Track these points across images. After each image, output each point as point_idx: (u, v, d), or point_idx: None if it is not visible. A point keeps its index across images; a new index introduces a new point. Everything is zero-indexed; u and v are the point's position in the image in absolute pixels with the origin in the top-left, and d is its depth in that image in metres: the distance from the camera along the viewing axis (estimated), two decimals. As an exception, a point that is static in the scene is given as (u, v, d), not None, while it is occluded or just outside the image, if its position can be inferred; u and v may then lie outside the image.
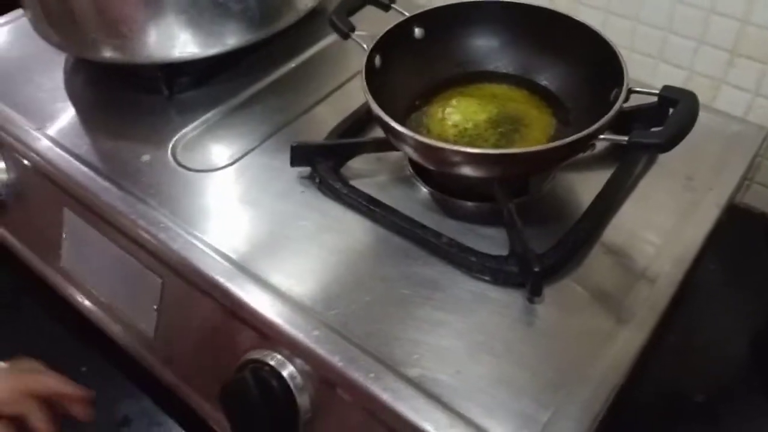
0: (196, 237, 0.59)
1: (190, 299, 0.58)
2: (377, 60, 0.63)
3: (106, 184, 0.65)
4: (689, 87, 0.74)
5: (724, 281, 0.74)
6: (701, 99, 0.74)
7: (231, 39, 0.73)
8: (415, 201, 0.62)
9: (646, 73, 0.79)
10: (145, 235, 0.59)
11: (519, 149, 0.51)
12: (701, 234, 0.59)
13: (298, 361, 0.51)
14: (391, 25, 0.65)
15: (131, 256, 0.62)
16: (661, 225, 0.59)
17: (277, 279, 0.55)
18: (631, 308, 0.53)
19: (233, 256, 0.57)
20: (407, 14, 0.66)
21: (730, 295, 0.72)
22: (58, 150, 0.69)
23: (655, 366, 0.62)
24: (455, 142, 0.63)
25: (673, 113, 0.51)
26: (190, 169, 0.67)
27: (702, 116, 0.67)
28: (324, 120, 0.71)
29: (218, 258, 0.57)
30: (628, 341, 0.51)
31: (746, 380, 0.65)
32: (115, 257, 0.63)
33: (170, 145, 0.69)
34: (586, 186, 0.62)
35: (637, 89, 0.55)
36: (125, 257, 0.62)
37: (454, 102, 0.67)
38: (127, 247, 0.62)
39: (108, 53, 0.73)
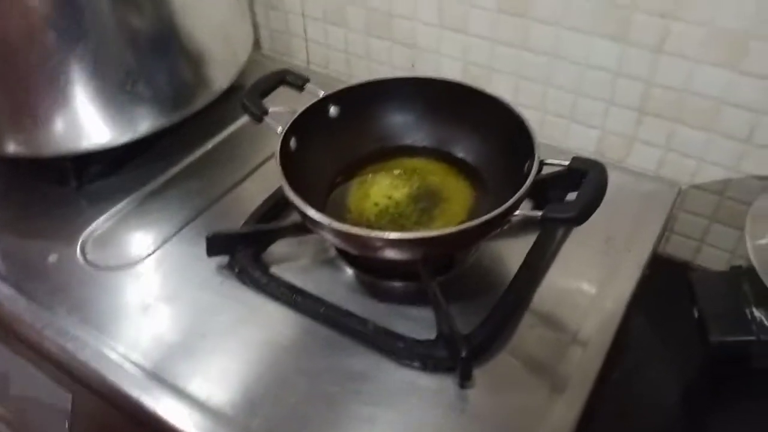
0: (107, 345, 0.55)
1: (103, 414, 0.54)
2: (293, 142, 0.62)
3: (9, 290, 0.60)
4: (603, 145, 0.78)
5: (654, 332, 0.74)
6: (615, 156, 0.78)
7: (142, 125, 0.71)
8: (340, 284, 0.61)
9: (560, 134, 0.80)
10: (52, 347, 0.55)
11: (434, 232, 0.51)
12: (626, 294, 0.60)
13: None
14: (306, 106, 0.64)
15: (39, 370, 0.58)
16: (587, 289, 0.60)
17: (196, 386, 0.52)
18: (565, 375, 0.53)
19: (147, 364, 0.53)
20: (322, 94, 0.66)
21: (660, 346, 0.73)
22: (-45, 253, 0.65)
23: (594, 425, 0.61)
24: (377, 222, 0.62)
25: (583, 185, 0.51)
26: (100, 268, 0.63)
27: (616, 177, 0.69)
28: (244, 202, 0.69)
29: (130, 368, 0.53)
30: (564, 411, 0.50)
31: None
32: (23, 370, 0.59)
33: (79, 242, 0.66)
34: (511, 254, 0.62)
35: (548, 161, 0.56)
36: (33, 371, 0.58)
37: (374, 179, 0.66)
38: (34, 360, 0.58)
39: (12, 148, 0.69)
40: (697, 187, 0.75)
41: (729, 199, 0.73)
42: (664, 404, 0.67)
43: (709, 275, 0.60)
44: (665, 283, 0.77)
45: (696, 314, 0.57)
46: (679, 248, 0.80)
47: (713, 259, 0.78)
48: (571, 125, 0.79)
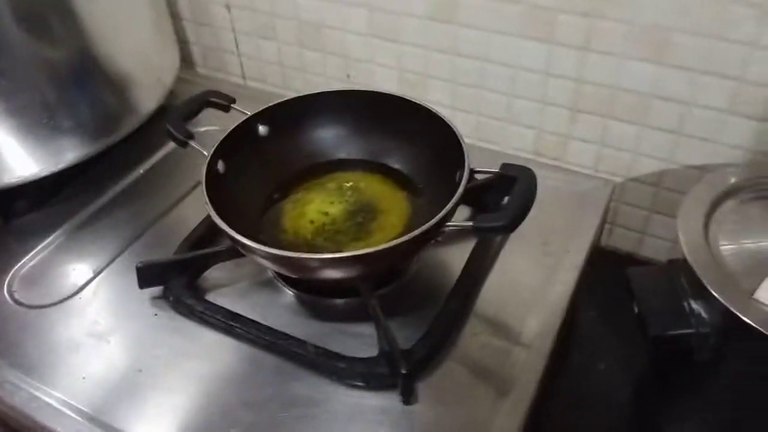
0: (40, 389, 0.53)
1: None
2: (220, 165, 0.60)
3: (-70, 338, 0.57)
4: (540, 145, 0.78)
5: (601, 327, 0.75)
6: (552, 154, 0.78)
7: (66, 156, 0.68)
8: (280, 306, 0.59)
9: (498, 136, 0.81)
10: (-22, 396, 0.53)
11: (367, 250, 0.50)
12: (566, 294, 0.60)
13: None
14: (231, 128, 0.62)
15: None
16: (527, 291, 0.60)
17: (135, 426, 0.50)
18: (510, 379, 0.53)
19: (82, 407, 0.52)
20: (248, 113, 0.64)
21: (607, 340, 0.73)
22: None
23: (546, 422, 0.61)
24: (313, 240, 0.61)
25: (513, 192, 0.51)
26: (29, 306, 0.61)
27: (552, 177, 0.70)
28: (177, 228, 0.67)
29: (66, 411, 0.51)
30: (509, 414, 0.50)
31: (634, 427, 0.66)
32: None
33: (6, 281, 0.63)
34: (451, 262, 0.62)
35: (478, 170, 0.56)
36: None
37: (309, 195, 0.65)
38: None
39: (-72, 188, 0.66)
40: (635, 179, 0.75)
41: (666, 189, 0.74)
42: (613, 399, 0.68)
43: (646, 270, 0.60)
44: (610, 276, 0.78)
45: (636, 309, 0.57)
46: (622, 240, 0.81)
47: (656, 248, 0.79)
48: (509, 126, 0.80)
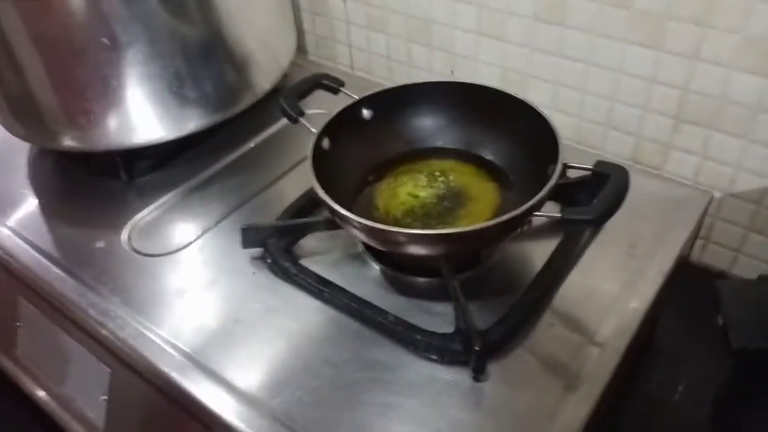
0: (145, 326, 0.59)
1: (139, 390, 0.57)
2: (325, 143, 0.64)
3: (60, 272, 0.65)
4: (639, 152, 0.78)
5: (687, 338, 0.74)
6: (651, 163, 0.78)
7: (188, 124, 0.75)
8: (366, 278, 0.63)
9: (597, 140, 0.81)
10: (94, 325, 0.60)
11: (453, 230, 0.52)
12: (647, 299, 0.60)
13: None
14: (340, 108, 0.66)
15: (82, 345, 0.62)
16: (608, 291, 0.60)
17: (225, 368, 0.55)
18: (580, 375, 0.54)
19: (182, 346, 0.57)
20: (356, 97, 0.68)
21: (690, 352, 0.72)
22: (16, 239, 0.70)
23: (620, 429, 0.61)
24: (403, 219, 0.64)
25: (605, 188, 0.52)
26: (143, 254, 0.67)
27: (648, 184, 0.69)
28: (280, 198, 0.72)
29: (167, 348, 0.57)
30: (575, 410, 0.51)
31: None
32: (67, 347, 0.63)
33: (125, 230, 0.70)
34: (535, 255, 0.63)
35: (572, 165, 0.57)
36: (76, 347, 0.62)
37: (402, 179, 0.68)
38: (78, 336, 0.62)
39: (68, 142, 0.74)
40: (735, 195, 0.74)
41: (767, 208, 0.72)
42: (691, 414, 0.67)
43: (735, 283, 0.59)
44: (700, 293, 0.77)
45: (720, 321, 0.57)
46: (715, 257, 0.79)
47: (750, 269, 0.77)
48: (608, 131, 0.80)
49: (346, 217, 0.55)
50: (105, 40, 0.68)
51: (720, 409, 0.65)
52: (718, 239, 0.78)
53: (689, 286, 0.69)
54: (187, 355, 0.56)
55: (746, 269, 0.77)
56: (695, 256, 0.79)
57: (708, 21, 0.65)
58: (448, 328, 0.56)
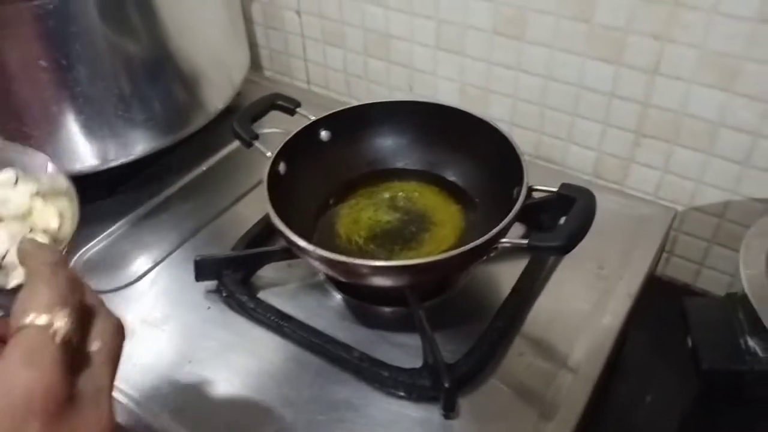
0: (92, 370, 0.55)
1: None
2: (281, 167, 0.62)
3: (-1, 313, 0.61)
4: (600, 167, 0.77)
5: (653, 356, 0.73)
6: (613, 177, 0.77)
7: (136, 148, 0.71)
8: (328, 309, 0.60)
9: (558, 154, 0.80)
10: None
11: (419, 260, 0.50)
12: (617, 321, 0.59)
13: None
14: (295, 131, 0.64)
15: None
16: (577, 315, 0.59)
17: (178, 414, 0.51)
18: (554, 403, 0.52)
19: (131, 391, 0.53)
20: (313, 118, 0.66)
21: (657, 372, 0.72)
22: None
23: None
24: (366, 246, 0.61)
25: (571, 213, 0.51)
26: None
27: (612, 201, 0.69)
28: (236, 224, 0.69)
29: (118, 396, 0.53)
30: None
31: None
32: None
33: (71, 263, 0.66)
34: (502, 279, 0.62)
35: (537, 187, 0.55)
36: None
37: (364, 202, 0.66)
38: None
39: (6, 170, 0.70)
40: (697, 209, 0.74)
41: (729, 221, 0.72)
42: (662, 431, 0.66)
43: (704, 302, 0.58)
44: (664, 306, 0.76)
45: (689, 342, 0.56)
46: (679, 270, 0.79)
47: (714, 282, 0.77)
48: (569, 146, 0.79)
49: (305, 248, 0.53)
50: (42, 62, 0.64)
51: (685, 429, 0.65)
52: (681, 253, 0.78)
53: (654, 300, 0.69)
54: (136, 401, 0.53)
55: (710, 282, 0.77)
56: (659, 269, 0.79)
57: (667, 36, 0.65)
58: (416, 362, 0.54)
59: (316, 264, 0.55)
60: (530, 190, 0.55)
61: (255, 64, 1.00)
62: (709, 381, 0.54)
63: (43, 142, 0.67)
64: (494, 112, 0.81)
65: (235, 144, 0.81)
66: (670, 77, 0.67)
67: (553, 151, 0.80)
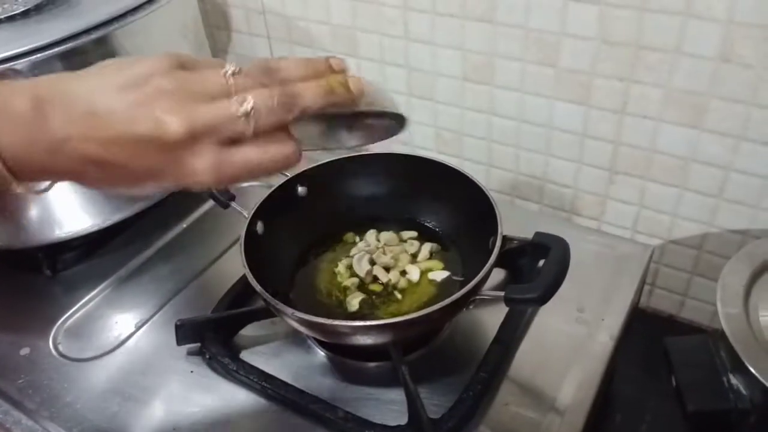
0: (77, 444, 0.54)
1: None
2: (259, 227, 0.62)
3: (-21, 388, 0.60)
4: (577, 204, 0.78)
5: (644, 385, 0.73)
6: (590, 214, 0.78)
7: (115, 213, 0.71)
8: (311, 367, 0.60)
9: (535, 193, 0.81)
10: (20, 448, 0.55)
11: (399, 318, 0.50)
12: (601, 364, 0.59)
13: None
14: (271, 189, 0.64)
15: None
16: (561, 360, 0.59)
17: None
18: (544, 447, 0.52)
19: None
20: (288, 174, 0.66)
21: (650, 399, 0.72)
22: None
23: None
24: (346, 300, 0.61)
25: (545, 264, 0.51)
26: (72, 359, 0.63)
27: (589, 241, 0.69)
28: (216, 284, 0.68)
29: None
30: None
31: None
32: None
33: (52, 333, 0.66)
34: (483, 328, 0.62)
35: (511, 236, 0.56)
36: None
37: (342, 255, 0.66)
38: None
39: (-17, 240, 0.69)
40: (675, 242, 0.74)
41: (707, 252, 0.73)
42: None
43: (684, 341, 0.58)
44: (650, 337, 0.76)
45: (674, 382, 0.56)
46: (662, 302, 0.80)
47: (698, 312, 0.78)
48: (545, 185, 0.80)
49: (283, 311, 0.53)
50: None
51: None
52: (664, 284, 0.79)
53: (640, 331, 0.69)
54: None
55: (695, 312, 0.78)
56: (643, 300, 0.80)
57: (631, 77, 0.66)
58: (402, 418, 0.53)
59: (296, 325, 0.55)
60: (506, 239, 0.55)
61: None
62: (696, 422, 0.54)
63: (21, 213, 0.67)
64: (469, 154, 0.82)
65: (211, 203, 0.81)
66: (638, 116, 0.68)
67: (530, 190, 0.81)
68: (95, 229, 0.70)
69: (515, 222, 0.59)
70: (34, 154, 0.35)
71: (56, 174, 0.36)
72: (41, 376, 0.61)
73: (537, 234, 0.54)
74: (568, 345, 0.60)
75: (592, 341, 0.60)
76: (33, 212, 0.68)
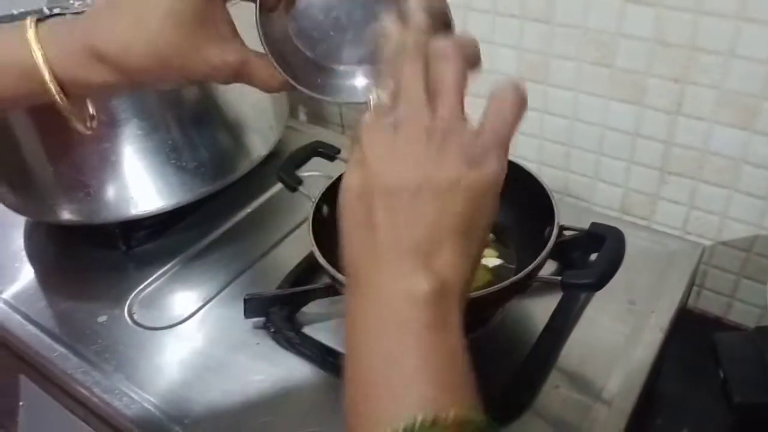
0: (151, 403, 0.59)
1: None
2: (324, 209, 0.65)
3: (62, 349, 0.65)
4: (627, 203, 0.79)
5: (687, 389, 0.74)
6: (640, 213, 0.80)
7: (186, 193, 0.76)
8: (369, 344, 0.63)
9: (585, 192, 0.83)
10: (99, 404, 0.59)
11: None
12: (649, 356, 0.60)
13: None
14: (336, 176, 0.68)
15: (87, 424, 0.61)
16: (610, 350, 0.61)
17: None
18: (590, 434, 0.54)
19: (188, 422, 0.57)
20: (351, 162, 0.69)
21: (693, 404, 0.73)
22: (14, 315, 0.70)
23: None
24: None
25: (601, 252, 0.53)
26: (145, 327, 0.67)
27: (639, 237, 0.71)
28: (281, 264, 0.72)
29: (175, 427, 0.56)
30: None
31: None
32: (72, 426, 0.63)
33: (127, 303, 0.70)
34: (536, 315, 0.64)
35: (568, 226, 0.58)
36: (82, 426, 0.61)
37: (401, 242, 0.69)
38: (83, 414, 0.62)
39: (65, 216, 0.75)
40: (725, 243, 0.75)
41: (756, 255, 0.74)
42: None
43: (733, 337, 0.60)
44: (697, 339, 0.78)
45: (721, 375, 0.58)
46: (710, 303, 0.81)
47: (745, 314, 0.78)
48: (596, 184, 0.82)
49: (349, 286, 0.56)
50: (102, 117, 0.69)
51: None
52: (711, 286, 0.80)
53: (687, 333, 0.70)
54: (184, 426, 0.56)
55: (742, 314, 0.78)
56: (691, 302, 0.81)
57: (687, 78, 0.68)
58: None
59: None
60: (561, 228, 0.58)
61: (293, 112, 1.05)
62: (742, 413, 0.56)
63: (101, 191, 0.72)
64: (522, 152, 0.84)
65: (277, 188, 0.85)
66: (692, 117, 0.70)
67: (580, 189, 0.83)
68: (168, 209, 0.75)
69: (566, 219, 0.61)
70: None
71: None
72: (117, 342, 0.66)
73: (593, 224, 0.57)
74: (619, 335, 0.62)
75: (641, 333, 0.62)
76: (111, 192, 0.73)
